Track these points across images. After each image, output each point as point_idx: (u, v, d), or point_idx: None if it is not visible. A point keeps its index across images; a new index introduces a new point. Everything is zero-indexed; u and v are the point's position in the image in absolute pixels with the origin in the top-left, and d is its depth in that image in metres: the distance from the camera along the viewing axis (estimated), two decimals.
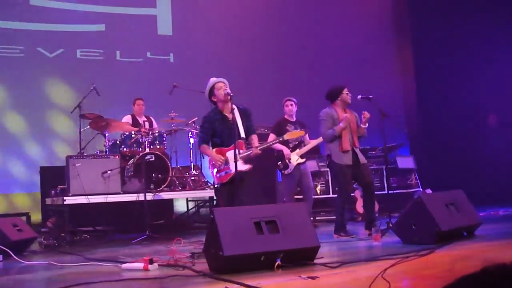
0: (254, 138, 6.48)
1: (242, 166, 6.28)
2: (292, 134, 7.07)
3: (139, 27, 12.70)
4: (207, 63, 12.54)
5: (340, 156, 7.37)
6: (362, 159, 7.44)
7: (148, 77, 12.23)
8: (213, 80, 6.50)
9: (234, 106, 6.34)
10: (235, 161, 6.06)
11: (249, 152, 6.25)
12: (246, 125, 6.48)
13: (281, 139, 6.87)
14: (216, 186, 6.88)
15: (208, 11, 13.27)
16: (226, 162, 6.38)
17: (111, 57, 12.39)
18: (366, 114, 7.33)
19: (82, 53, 12.17)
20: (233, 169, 6.27)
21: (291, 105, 8.43)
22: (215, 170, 6.45)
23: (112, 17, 12.49)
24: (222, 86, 6.39)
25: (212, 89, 6.46)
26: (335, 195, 8.24)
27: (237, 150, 6.19)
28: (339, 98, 7.46)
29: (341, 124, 7.26)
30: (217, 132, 6.44)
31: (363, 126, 7.41)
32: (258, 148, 6.28)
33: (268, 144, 6.53)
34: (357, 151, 7.40)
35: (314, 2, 14.24)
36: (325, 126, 7.40)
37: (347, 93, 7.45)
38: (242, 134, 6.31)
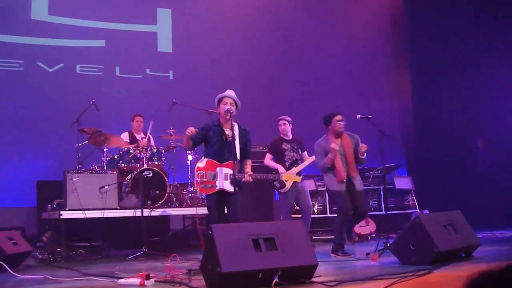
0: (248, 164, 6.50)
1: (229, 187, 6.33)
2: (290, 177, 7.11)
3: (139, 44, 12.73)
4: (206, 80, 12.57)
5: (331, 182, 7.44)
6: (359, 187, 7.44)
7: (147, 93, 12.24)
8: (224, 93, 6.54)
9: (235, 123, 6.36)
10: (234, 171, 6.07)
11: (241, 176, 6.25)
12: (243, 148, 6.49)
13: (276, 178, 6.88)
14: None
15: (208, 29, 13.32)
16: (214, 177, 6.39)
17: (110, 73, 12.40)
18: (363, 147, 7.37)
19: (82, 69, 12.19)
20: (218, 186, 6.36)
21: (284, 124, 8.43)
22: (199, 180, 6.48)
23: (112, 33, 12.52)
24: (228, 102, 6.41)
25: (219, 101, 6.49)
26: (333, 215, 8.29)
27: (230, 170, 6.24)
28: (329, 126, 7.47)
29: (329, 156, 7.28)
30: (210, 142, 6.45)
31: (361, 157, 7.42)
32: (251, 176, 6.28)
33: (262, 177, 6.51)
34: (354, 179, 7.40)
35: (313, 22, 14.30)
36: (318, 158, 7.49)
37: (338, 121, 7.39)
38: (236, 154, 6.28)
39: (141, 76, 12.67)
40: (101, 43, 12.42)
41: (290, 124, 8.43)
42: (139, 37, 12.80)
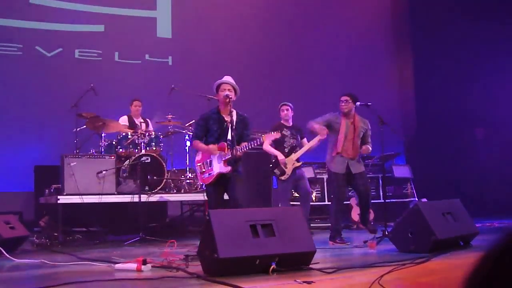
0: (242, 145, 6.45)
1: (223, 168, 6.33)
2: (269, 136, 7.01)
3: (139, 29, 12.66)
4: (205, 66, 12.50)
5: (332, 163, 7.54)
6: (357, 168, 7.50)
7: (146, 79, 12.19)
8: (222, 79, 6.51)
9: (233, 110, 6.32)
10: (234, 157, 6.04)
11: (229, 154, 6.22)
12: (241, 133, 6.46)
13: (258, 142, 6.83)
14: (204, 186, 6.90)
15: (208, 15, 13.25)
16: (210, 163, 6.41)
17: (109, 58, 12.34)
18: (367, 151, 7.59)
19: (81, 53, 12.12)
20: (215, 171, 6.38)
21: (287, 110, 8.38)
22: (200, 171, 6.57)
23: (111, 18, 12.45)
24: (226, 88, 6.38)
25: (218, 87, 6.46)
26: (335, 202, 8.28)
27: (223, 152, 6.24)
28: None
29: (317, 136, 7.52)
30: (211, 131, 6.44)
31: (364, 149, 7.57)
32: (237, 150, 6.23)
33: (247, 146, 6.46)
34: (352, 162, 7.47)
35: (314, 10, 14.25)
36: (317, 120, 7.58)
37: (340, 101, 7.55)
38: (233, 139, 6.20)
39: (140, 61, 12.60)
40: (100, 28, 12.35)
41: (292, 111, 8.40)
42: (139, 22, 12.73)
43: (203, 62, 12.75)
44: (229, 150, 6.23)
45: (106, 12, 12.43)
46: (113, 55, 12.42)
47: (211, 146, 6.37)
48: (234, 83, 6.49)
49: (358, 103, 7.53)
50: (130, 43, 12.50)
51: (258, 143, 6.55)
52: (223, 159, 6.31)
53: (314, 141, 8.03)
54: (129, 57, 12.53)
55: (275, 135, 6.70)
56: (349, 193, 9.33)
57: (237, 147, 6.24)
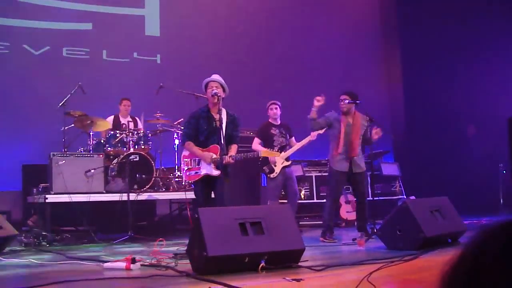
0: (233, 148, 6.44)
1: (213, 171, 6.31)
2: (268, 153, 7.05)
3: (127, 27, 12.61)
4: (194, 64, 12.47)
5: (334, 161, 7.60)
6: (357, 168, 7.58)
7: (134, 77, 12.13)
8: (210, 78, 6.49)
9: (222, 108, 6.31)
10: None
11: (221, 159, 6.20)
12: (230, 133, 6.44)
13: (255, 155, 6.85)
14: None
15: (196, 12, 13.23)
16: (198, 162, 6.40)
17: (97, 56, 12.29)
18: (378, 132, 7.59)
19: (68, 52, 12.07)
20: (203, 172, 6.35)
21: (276, 108, 8.39)
22: (186, 167, 6.54)
23: (99, 16, 12.39)
24: (213, 86, 6.37)
25: (206, 86, 6.45)
26: (320, 201, 8.39)
27: (214, 154, 6.23)
28: None
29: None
30: (200, 129, 6.42)
31: (372, 139, 7.63)
32: (231, 157, 6.22)
33: (242, 156, 6.47)
34: (355, 159, 7.55)
35: (303, 8, 14.26)
36: (319, 119, 7.60)
37: (340, 102, 7.60)
38: (222, 138, 6.18)
39: (128, 59, 12.56)
40: (88, 26, 12.30)
41: (280, 109, 8.41)
42: (127, 20, 12.68)
43: (191, 60, 12.72)
44: (220, 155, 6.20)
45: (94, 10, 12.37)
46: (101, 53, 12.36)
47: (204, 154, 6.34)
48: (223, 81, 6.47)
49: (347, 101, 7.56)
50: (118, 41, 12.45)
51: (255, 156, 6.60)
52: (213, 162, 6.29)
53: (305, 141, 8.08)
54: (117, 55, 12.48)
55: (275, 153, 6.83)
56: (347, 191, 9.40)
57: (230, 154, 6.23)
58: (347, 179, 7.68)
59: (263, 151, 6.87)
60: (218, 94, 6.26)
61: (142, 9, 12.90)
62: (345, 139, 7.51)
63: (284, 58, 13.84)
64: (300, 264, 5.01)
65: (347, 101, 7.53)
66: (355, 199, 8.21)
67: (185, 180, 7.99)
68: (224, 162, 6.14)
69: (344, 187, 8.27)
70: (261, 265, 4.70)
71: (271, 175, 8.11)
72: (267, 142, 8.15)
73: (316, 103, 7.39)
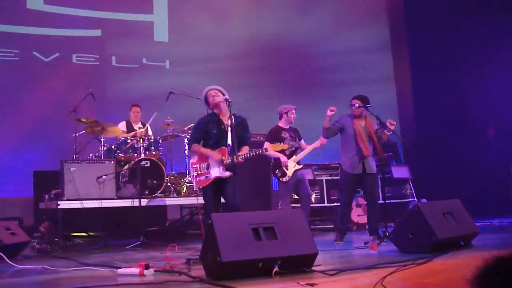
0: (244, 149, 6.44)
1: (222, 173, 6.33)
2: (275, 147, 7.03)
3: (136, 33, 12.67)
4: (203, 70, 12.52)
5: (346, 164, 7.70)
6: (370, 169, 7.64)
7: (144, 83, 12.19)
8: (206, 89, 6.53)
9: (231, 113, 6.33)
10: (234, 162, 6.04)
11: (230, 160, 6.21)
12: (240, 135, 6.45)
13: (261, 151, 6.85)
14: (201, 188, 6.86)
15: (204, 18, 13.26)
16: (208, 167, 6.41)
17: (107, 63, 12.35)
18: (392, 122, 7.56)
19: (78, 58, 12.13)
20: (213, 175, 6.37)
21: (294, 113, 8.42)
22: (195, 173, 6.54)
23: (108, 23, 12.46)
24: (213, 94, 6.42)
25: (206, 98, 6.48)
26: (330, 204, 8.43)
27: (221, 156, 6.28)
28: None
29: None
30: (210, 134, 6.43)
31: (387, 133, 7.63)
32: (240, 157, 6.23)
33: (250, 153, 6.46)
34: (367, 160, 7.61)
35: (312, 9, 14.25)
36: (332, 125, 7.71)
37: (352, 105, 7.69)
38: (233, 142, 6.15)
39: (137, 65, 12.60)
40: (97, 32, 12.36)
41: None
42: (136, 27, 12.73)
43: (200, 65, 12.76)
44: (229, 155, 6.22)
45: (103, 17, 12.45)
46: (111, 59, 12.42)
47: (213, 153, 6.35)
48: (218, 86, 6.54)
49: (357, 104, 7.62)
50: (127, 48, 12.50)
51: (261, 152, 6.60)
52: (223, 164, 6.31)
53: (316, 144, 8.10)
54: (126, 61, 12.52)
55: (282, 146, 6.83)
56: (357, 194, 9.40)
57: (239, 154, 6.24)
58: (358, 181, 7.71)
59: (270, 146, 6.84)
60: (229, 100, 6.27)
61: (151, 15, 12.95)
62: (359, 142, 7.57)
63: (293, 62, 13.85)
64: (313, 268, 5.00)
65: (357, 105, 7.58)
66: (365, 202, 8.23)
67: (196, 187, 8.03)
68: (233, 162, 6.14)
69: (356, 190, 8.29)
70: (274, 270, 4.69)
71: (283, 179, 8.12)
72: None
73: (329, 113, 7.45)
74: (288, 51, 13.88)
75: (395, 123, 7.62)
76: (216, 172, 6.38)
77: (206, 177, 6.43)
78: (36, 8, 11.87)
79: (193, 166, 6.59)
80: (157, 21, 12.99)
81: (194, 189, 9.06)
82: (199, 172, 6.49)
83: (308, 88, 13.31)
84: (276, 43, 13.83)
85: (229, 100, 6.27)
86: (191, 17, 13.18)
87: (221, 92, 6.48)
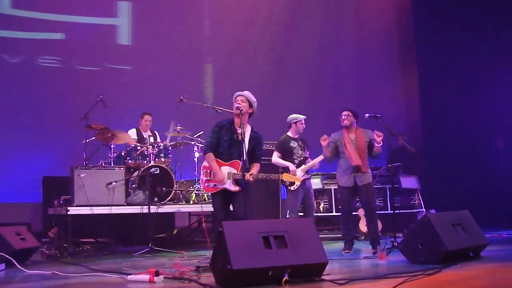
0: (256, 167, 6.44)
1: (231, 186, 6.36)
2: (289, 177, 7.08)
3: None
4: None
5: (339, 177, 7.92)
6: (362, 181, 7.72)
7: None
8: (239, 92, 6.51)
9: (248, 125, 6.35)
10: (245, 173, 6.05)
11: (241, 176, 6.22)
12: (252, 151, 6.47)
13: (276, 177, 6.86)
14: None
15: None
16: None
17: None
18: (378, 133, 7.63)
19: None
20: (220, 186, 6.38)
21: (303, 123, 8.45)
22: (205, 178, 6.52)
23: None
24: (239, 100, 6.39)
25: (234, 100, 6.48)
26: (339, 213, 8.48)
27: (234, 169, 6.33)
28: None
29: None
30: (221, 140, 6.44)
31: (377, 145, 7.69)
32: (251, 176, 6.25)
33: (263, 176, 6.49)
34: (359, 174, 7.71)
35: (320, 23, 14.30)
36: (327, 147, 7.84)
37: (341, 117, 7.85)
38: (244, 153, 6.17)
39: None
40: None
41: None
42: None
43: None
44: (241, 170, 6.22)
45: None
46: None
47: (219, 173, 6.34)
48: (251, 97, 6.45)
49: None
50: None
51: (274, 178, 6.66)
52: (234, 177, 6.32)
53: (318, 160, 8.16)
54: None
55: (296, 178, 6.93)
56: (357, 204, 9.33)
57: (251, 173, 6.27)
58: (354, 192, 7.82)
59: (284, 175, 6.91)
60: (241, 108, 6.28)
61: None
62: (348, 154, 7.71)
63: (300, 73, 13.87)
64: (323, 277, 5.01)
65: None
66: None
67: (203, 191, 8.04)
68: (244, 178, 6.16)
69: (356, 199, 8.33)
70: (284, 278, 4.71)
71: (292, 188, 8.13)
72: (287, 156, 8.17)
73: (323, 143, 7.69)
74: (296, 62, 13.89)
75: (382, 134, 7.68)
76: (225, 183, 6.39)
77: (215, 185, 6.43)
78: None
79: (204, 170, 6.56)
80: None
81: (201, 196, 9.08)
82: (209, 178, 6.49)
83: (316, 100, 13.32)
84: (287, 53, 13.86)
85: (240, 109, 6.28)
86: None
87: (249, 101, 6.43)
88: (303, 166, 8.14)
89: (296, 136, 8.41)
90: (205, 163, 6.59)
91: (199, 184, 9.33)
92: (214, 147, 6.44)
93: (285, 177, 6.92)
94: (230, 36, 13.50)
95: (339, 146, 7.85)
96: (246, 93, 6.46)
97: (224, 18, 13.55)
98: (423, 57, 14.22)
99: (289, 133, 8.42)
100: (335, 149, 7.87)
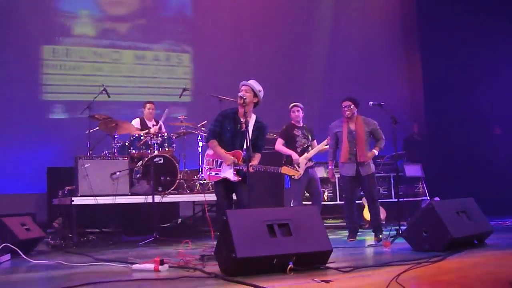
0: (256, 157, 6.44)
1: (232, 177, 6.35)
2: (288, 170, 7.02)
3: None
4: (213, 66, 12.56)
5: (341, 166, 7.95)
6: (364, 171, 7.76)
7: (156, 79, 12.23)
8: (244, 81, 6.50)
9: (253, 114, 6.33)
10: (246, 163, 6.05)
11: (242, 167, 6.22)
12: (255, 141, 6.45)
13: (275, 170, 6.85)
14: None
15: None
16: (220, 164, 6.43)
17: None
18: (374, 153, 7.89)
19: None
20: (222, 175, 6.42)
21: (298, 111, 8.40)
22: (207, 167, 6.56)
23: None
24: (243, 89, 6.37)
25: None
26: (343, 202, 8.50)
27: (233, 160, 6.30)
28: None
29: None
30: (224, 130, 6.43)
31: (369, 155, 7.83)
32: (252, 167, 6.24)
33: (262, 168, 6.48)
34: (362, 164, 7.76)
35: (323, 10, 14.27)
36: (330, 140, 8.06)
37: (343, 107, 7.86)
38: (244, 144, 6.17)
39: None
40: None
41: (302, 112, 8.43)
42: None
43: (211, 63, 12.78)
44: (243, 161, 6.22)
45: None
46: None
47: (226, 156, 6.36)
48: (255, 86, 6.43)
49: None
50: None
51: (275, 171, 6.65)
52: (234, 167, 6.32)
53: (323, 144, 8.16)
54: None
55: (295, 172, 6.90)
56: (361, 192, 9.33)
57: (252, 164, 6.25)
58: (356, 181, 7.85)
59: (283, 168, 6.87)
60: (244, 97, 6.26)
61: None
62: (349, 146, 7.77)
63: (305, 61, 13.84)
64: (327, 265, 5.01)
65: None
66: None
67: (205, 179, 8.09)
68: (244, 170, 6.16)
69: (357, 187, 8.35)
70: (289, 266, 4.71)
71: (295, 176, 8.13)
72: (290, 143, 8.17)
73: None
74: (302, 51, 13.87)
75: (376, 154, 7.90)
76: (226, 173, 6.40)
77: (216, 174, 6.45)
78: None
79: (207, 159, 6.60)
80: None
81: (205, 185, 9.08)
82: (211, 167, 6.50)
83: (320, 89, 13.30)
84: (293, 41, 13.83)
85: (244, 98, 6.26)
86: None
87: (253, 91, 6.41)
88: (305, 154, 8.13)
89: (301, 125, 8.40)
90: (209, 151, 6.60)
91: (203, 169, 9.36)
92: (216, 135, 6.43)
93: (284, 170, 6.88)
94: (233, 25, 13.49)
95: (339, 136, 7.92)
96: (251, 82, 6.44)
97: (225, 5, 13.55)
98: (427, 45, 14.17)
99: (293, 121, 8.44)
100: (335, 140, 7.96)
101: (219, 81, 11.94)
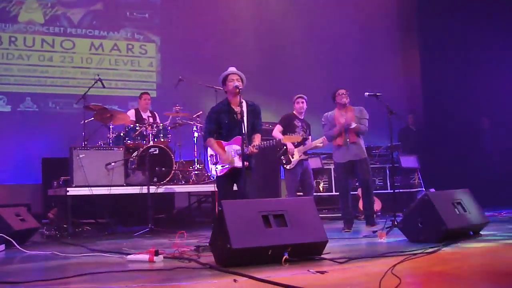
0: (257, 137, 6.43)
1: (238, 163, 6.30)
2: (290, 138, 7.00)
3: None
4: (210, 58, 12.52)
5: (335, 153, 8.02)
6: (358, 155, 7.81)
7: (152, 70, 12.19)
8: (228, 70, 6.46)
9: (243, 100, 6.29)
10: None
11: (246, 150, 6.20)
12: (252, 122, 6.43)
13: (277, 142, 6.83)
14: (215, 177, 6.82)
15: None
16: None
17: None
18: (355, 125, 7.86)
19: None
20: (230, 165, 6.35)
21: (302, 102, 8.44)
22: (213, 163, 6.54)
23: None
24: (234, 79, 6.34)
25: (225, 79, 6.42)
26: (338, 193, 8.50)
27: (237, 146, 6.26)
28: (335, 101, 7.96)
29: (335, 128, 7.88)
30: (222, 124, 6.41)
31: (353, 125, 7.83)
32: (255, 147, 6.23)
33: (264, 144, 6.46)
34: (353, 146, 7.81)
35: (320, 1, 14.23)
36: (325, 129, 8.05)
37: (339, 94, 7.92)
38: (244, 130, 6.14)
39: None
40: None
41: (306, 104, 8.45)
42: None
43: (208, 53, 12.74)
44: (244, 145, 6.20)
45: None
46: None
47: (223, 154, 6.35)
48: (241, 72, 6.45)
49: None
50: None
51: (274, 144, 6.62)
52: (238, 153, 6.28)
53: (318, 141, 8.16)
54: None
55: (296, 138, 6.83)
56: (356, 184, 9.32)
57: (254, 144, 6.24)
58: (350, 170, 7.87)
59: (284, 137, 6.86)
60: (240, 87, 6.24)
61: None
62: (342, 131, 7.82)
63: (300, 52, 13.81)
64: (323, 256, 5.01)
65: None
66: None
67: (210, 175, 8.06)
68: (248, 152, 6.15)
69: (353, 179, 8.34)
70: (284, 257, 4.70)
71: (288, 166, 8.14)
72: (289, 131, 8.14)
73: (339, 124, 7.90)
74: (297, 42, 13.87)
75: (360, 129, 7.86)
76: (233, 162, 6.36)
77: (223, 166, 6.41)
78: None
79: (211, 157, 6.58)
80: None
81: (202, 178, 9.07)
82: (217, 161, 6.47)
83: (317, 79, 13.26)
84: (290, 31, 13.84)
85: (240, 88, 6.24)
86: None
87: (241, 79, 6.40)
88: (301, 147, 8.13)
89: (302, 117, 8.42)
90: (209, 152, 6.59)
91: (199, 164, 9.35)
92: (213, 133, 6.42)
93: (286, 139, 6.87)
94: (227, 14, 13.46)
95: (332, 124, 7.95)
96: (236, 70, 6.43)
97: None
98: (425, 36, 14.18)
99: (294, 112, 8.44)
100: (330, 126, 7.98)
101: (193, 73, 11.36)
